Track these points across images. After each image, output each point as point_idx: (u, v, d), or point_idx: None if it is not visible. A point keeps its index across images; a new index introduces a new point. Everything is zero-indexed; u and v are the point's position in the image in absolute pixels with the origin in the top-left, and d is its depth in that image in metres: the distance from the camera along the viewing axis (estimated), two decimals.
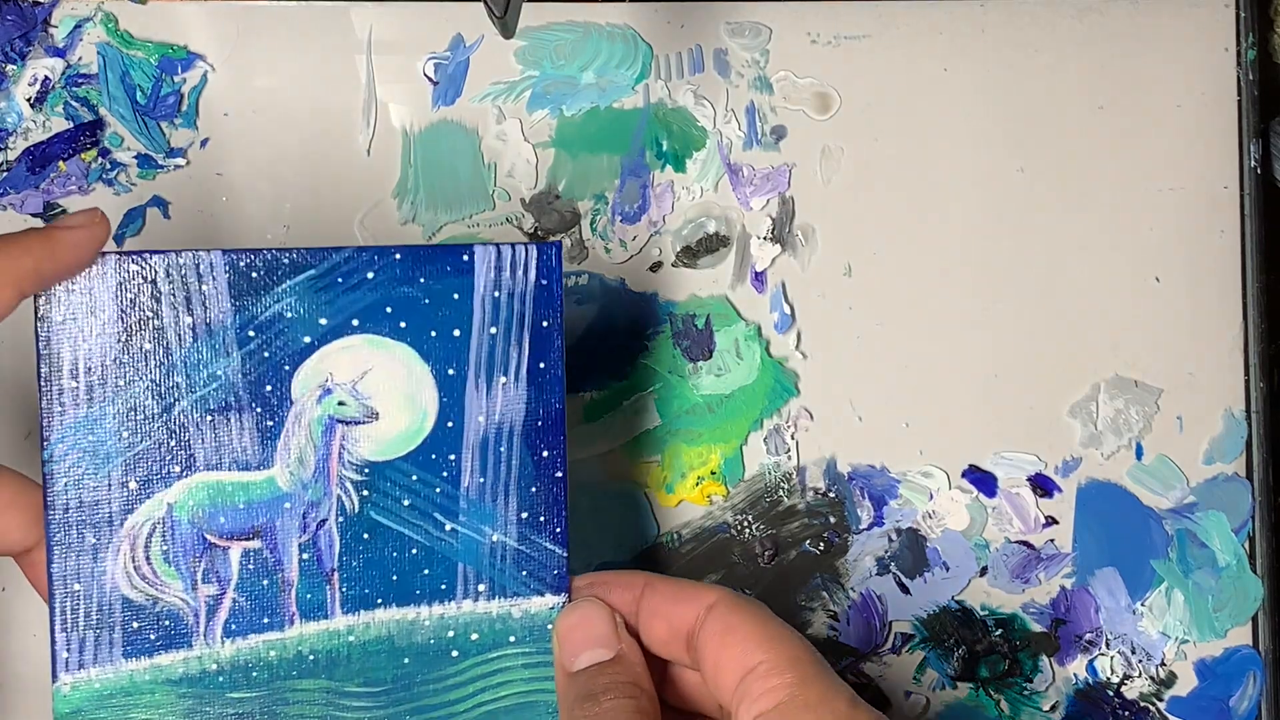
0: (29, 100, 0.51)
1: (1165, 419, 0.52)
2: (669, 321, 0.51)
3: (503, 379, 0.42)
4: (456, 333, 0.42)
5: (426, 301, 0.42)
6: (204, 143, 0.51)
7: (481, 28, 0.51)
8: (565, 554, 0.43)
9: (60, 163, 0.51)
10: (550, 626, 0.43)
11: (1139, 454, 0.52)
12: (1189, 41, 0.53)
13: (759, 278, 0.52)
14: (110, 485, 0.41)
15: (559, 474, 0.43)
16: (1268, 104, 0.54)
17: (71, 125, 0.51)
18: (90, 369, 0.41)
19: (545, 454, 0.43)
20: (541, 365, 0.42)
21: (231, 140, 0.51)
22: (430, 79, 0.51)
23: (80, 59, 0.51)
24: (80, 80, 0.51)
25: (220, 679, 0.42)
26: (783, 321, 0.52)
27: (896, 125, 0.52)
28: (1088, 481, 0.52)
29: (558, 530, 0.43)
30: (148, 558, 0.42)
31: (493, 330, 0.42)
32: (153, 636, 0.42)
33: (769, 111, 0.52)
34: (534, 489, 0.43)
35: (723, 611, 0.41)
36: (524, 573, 0.43)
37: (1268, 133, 0.53)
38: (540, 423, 0.43)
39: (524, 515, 0.43)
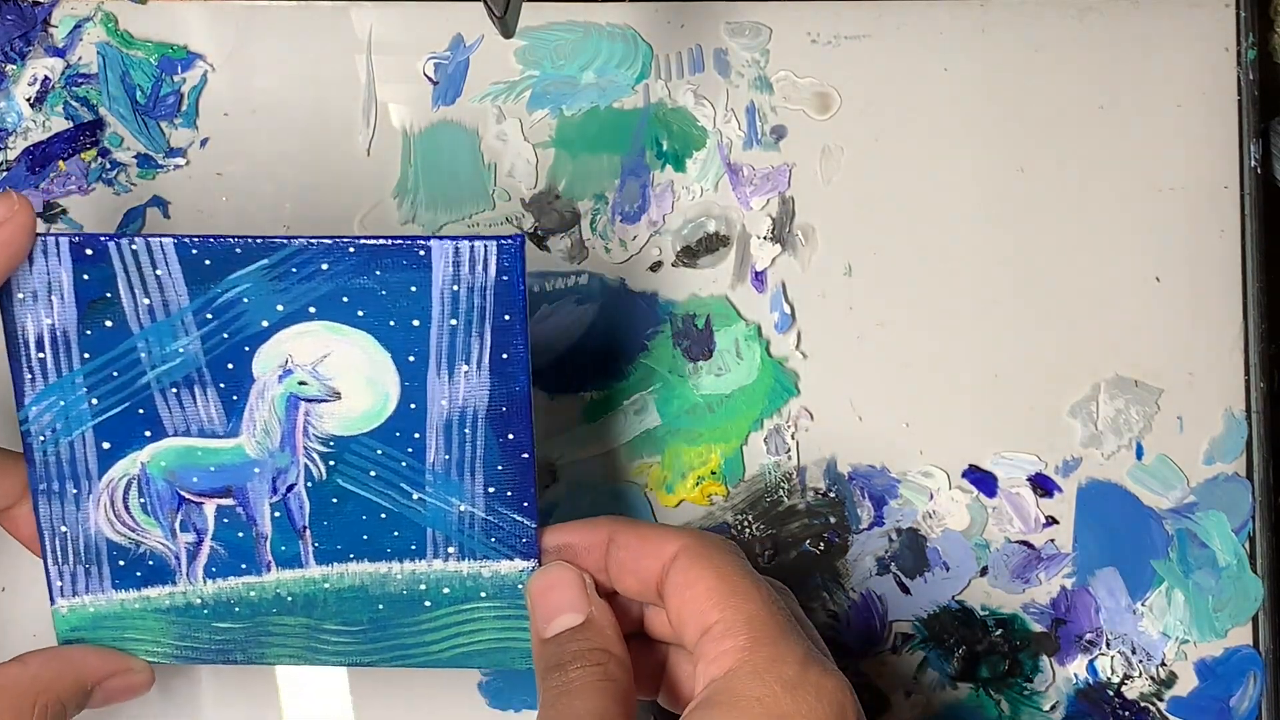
0: (29, 100, 0.51)
1: (1165, 419, 0.52)
2: (669, 321, 0.51)
3: (464, 367, 0.42)
4: (416, 323, 0.42)
5: (383, 293, 0.41)
6: (204, 143, 0.51)
7: (481, 28, 0.51)
8: (534, 525, 0.44)
9: (60, 163, 0.51)
10: (520, 587, 0.44)
11: (1139, 454, 0.52)
12: (1189, 41, 0.53)
13: (759, 278, 0.52)
14: (85, 444, 0.43)
15: (525, 455, 0.43)
16: (1268, 104, 0.54)
17: (71, 125, 0.51)
18: (55, 342, 0.42)
19: (511, 436, 0.43)
20: (504, 356, 0.42)
21: (231, 140, 0.51)
22: (430, 79, 0.51)
23: (80, 59, 0.51)
24: (80, 80, 0.51)
25: (205, 612, 0.45)
26: (783, 321, 0.52)
27: (896, 125, 0.52)
28: (1088, 481, 0.52)
29: (525, 504, 0.43)
30: (127, 508, 0.44)
31: (453, 322, 0.42)
32: (139, 573, 0.44)
33: (769, 111, 0.52)
34: (500, 467, 0.43)
35: (684, 564, 0.41)
36: (492, 539, 0.44)
37: (1268, 133, 0.53)
38: (505, 408, 0.42)
39: (490, 489, 0.43)
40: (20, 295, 0.42)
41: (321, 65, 0.51)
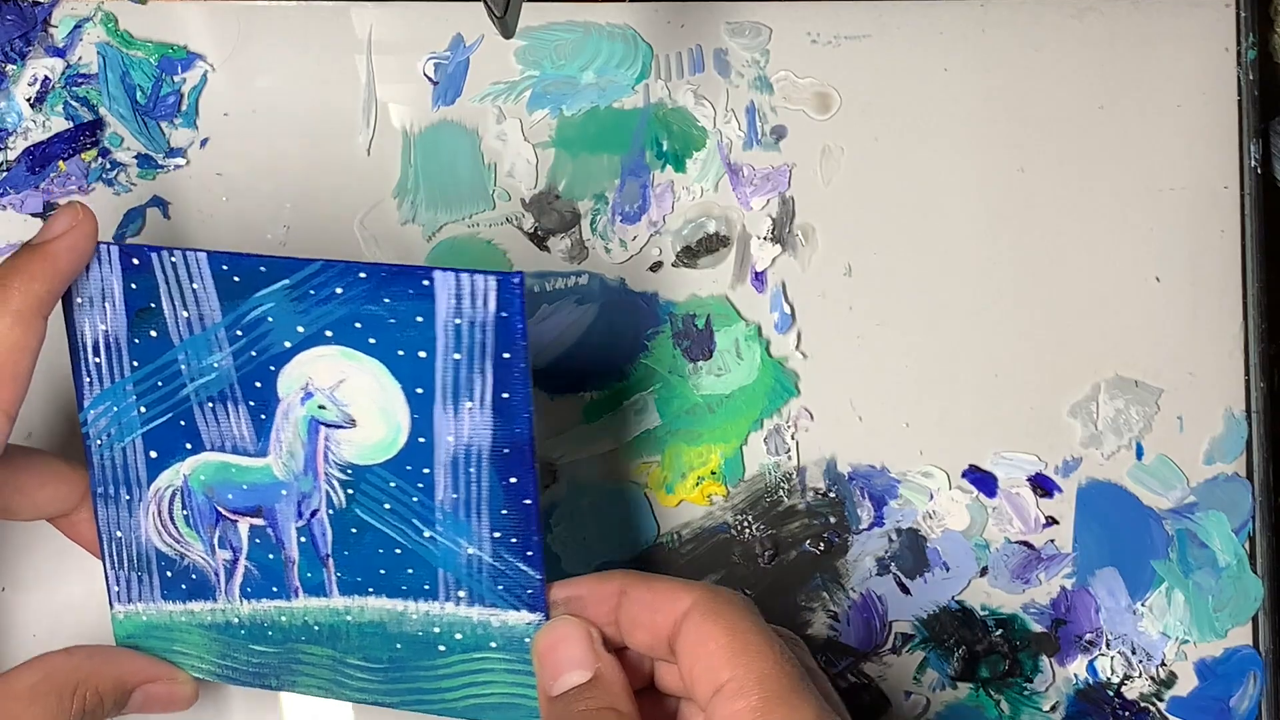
0: (29, 100, 0.51)
1: (1165, 419, 0.52)
2: (669, 321, 0.51)
3: (469, 404, 0.41)
4: (422, 354, 0.41)
5: (392, 321, 0.41)
6: (204, 143, 0.51)
7: (481, 28, 0.51)
8: (540, 577, 0.43)
9: (60, 163, 0.51)
10: (528, 640, 0.43)
11: (1139, 454, 0.52)
12: (1189, 41, 0.53)
13: (759, 278, 0.52)
14: (136, 452, 0.44)
15: (527, 501, 0.42)
16: (1268, 104, 0.54)
17: (71, 125, 0.51)
18: (108, 347, 0.43)
19: (513, 480, 0.42)
20: (505, 395, 0.41)
21: (231, 140, 0.51)
22: (430, 79, 0.51)
23: (80, 59, 0.51)
24: (80, 80, 0.51)
25: (242, 632, 0.45)
26: (783, 321, 0.52)
27: (896, 125, 0.52)
28: (1088, 481, 0.52)
29: (529, 554, 0.43)
30: (172, 519, 0.45)
31: (456, 356, 0.41)
32: (184, 586, 0.45)
33: (769, 111, 0.52)
34: (504, 511, 0.42)
35: (696, 620, 0.40)
36: (500, 587, 0.43)
37: (1268, 133, 0.53)
38: (507, 450, 0.42)
39: (496, 534, 0.43)
40: (79, 300, 0.43)
41: (321, 65, 0.51)
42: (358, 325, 0.41)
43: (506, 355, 0.41)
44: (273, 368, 0.42)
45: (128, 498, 0.45)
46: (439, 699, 0.45)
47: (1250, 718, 0.52)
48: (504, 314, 0.40)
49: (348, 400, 0.42)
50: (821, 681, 0.42)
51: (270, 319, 0.42)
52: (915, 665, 0.52)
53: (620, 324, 0.51)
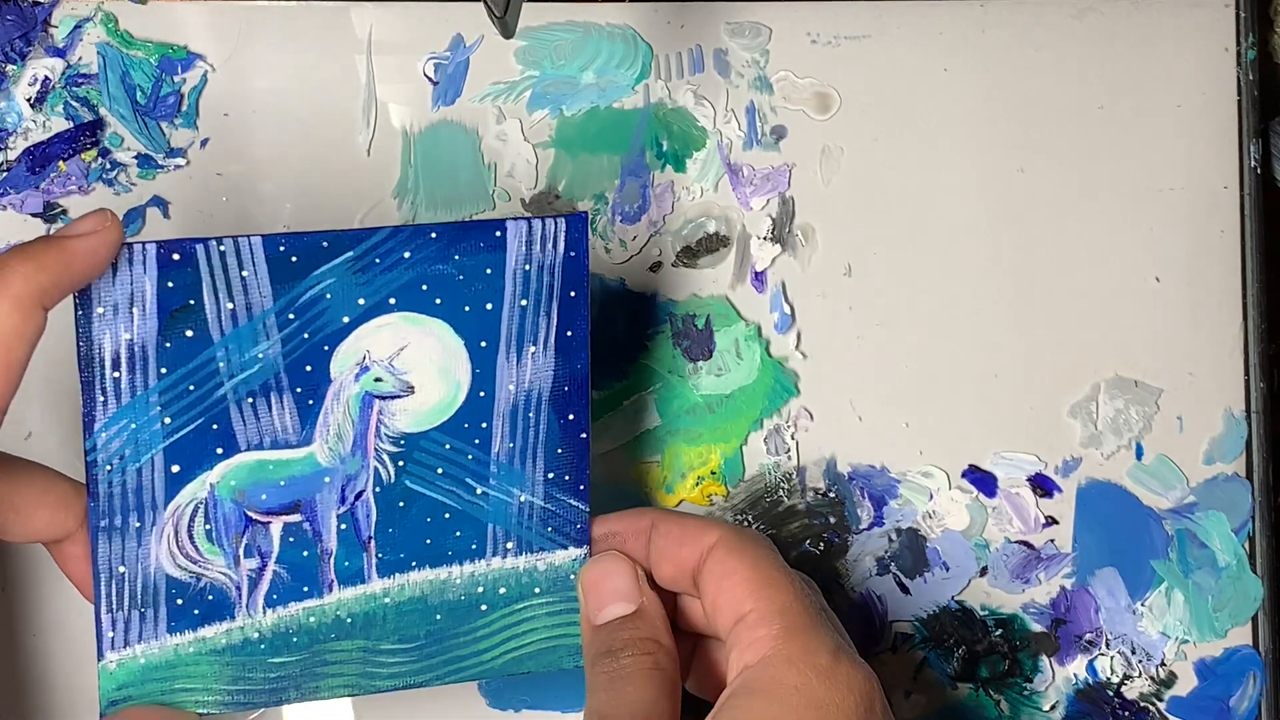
0: (29, 100, 0.51)
1: (1165, 419, 0.52)
2: (669, 321, 0.51)
3: (532, 348, 0.43)
4: (489, 306, 0.43)
5: (460, 278, 0.42)
6: (204, 143, 0.51)
7: (481, 28, 0.51)
8: (588, 509, 0.45)
9: (60, 163, 0.51)
10: (573, 577, 0.45)
11: (1139, 454, 0.52)
12: (1189, 41, 0.53)
13: (759, 278, 0.52)
14: (154, 470, 0.42)
15: (583, 435, 0.44)
16: (1268, 104, 0.54)
17: (71, 125, 0.51)
18: (132, 358, 0.41)
19: (571, 417, 0.44)
20: (569, 334, 0.43)
21: (231, 140, 0.51)
22: (430, 79, 0.51)
23: (80, 59, 0.51)
24: (80, 80, 0.51)
25: (262, 646, 0.44)
26: (783, 321, 0.52)
27: (896, 125, 0.52)
28: (1088, 481, 0.52)
29: (580, 487, 0.45)
30: (191, 537, 0.43)
31: (523, 302, 0.43)
32: (196, 611, 0.44)
33: (769, 111, 0.52)
34: (560, 450, 0.44)
35: (721, 554, 0.43)
36: (549, 529, 0.45)
37: (1268, 133, 0.53)
38: (566, 387, 0.44)
39: (550, 475, 0.45)
40: (100, 309, 0.40)
41: (321, 65, 0.51)
42: (424, 288, 0.42)
43: (573, 294, 0.43)
44: (326, 347, 0.42)
45: (138, 525, 0.42)
46: (475, 663, 0.45)
47: (1250, 718, 0.52)
48: (572, 253, 0.43)
49: (407, 368, 0.43)
50: (835, 621, 0.44)
51: (329, 295, 0.42)
52: (915, 665, 0.52)
53: (620, 324, 0.51)
